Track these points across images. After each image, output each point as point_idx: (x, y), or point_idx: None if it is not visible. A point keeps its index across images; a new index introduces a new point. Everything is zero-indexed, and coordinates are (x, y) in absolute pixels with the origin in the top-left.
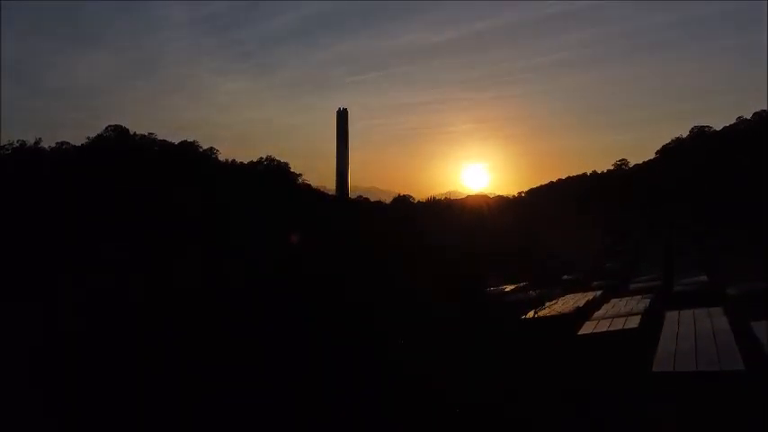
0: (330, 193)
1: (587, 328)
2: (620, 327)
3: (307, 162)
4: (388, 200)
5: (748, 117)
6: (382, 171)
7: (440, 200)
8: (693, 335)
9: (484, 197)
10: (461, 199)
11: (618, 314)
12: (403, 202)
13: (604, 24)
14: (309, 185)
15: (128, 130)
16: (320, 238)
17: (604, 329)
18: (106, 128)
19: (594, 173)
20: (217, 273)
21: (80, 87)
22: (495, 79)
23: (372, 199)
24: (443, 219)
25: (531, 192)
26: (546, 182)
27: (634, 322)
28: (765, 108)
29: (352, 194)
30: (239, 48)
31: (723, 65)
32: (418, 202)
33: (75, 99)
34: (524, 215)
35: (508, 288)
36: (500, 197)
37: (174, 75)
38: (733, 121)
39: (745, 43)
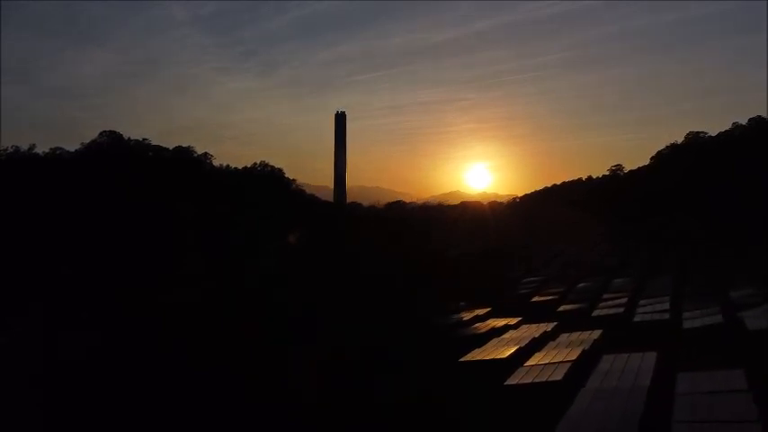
0: (323, 199)
1: (516, 377)
2: (545, 378)
3: (307, 161)
4: (390, 199)
5: (744, 123)
6: (386, 170)
7: (433, 205)
8: (611, 392)
9: (478, 203)
10: (455, 204)
11: (553, 359)
12: (396, 207)
13: (604, 24)
14: (303, 191)
15: (122, 135)
16: (303, 248)
17: (530, 380)
18: (100, 133)
19: (590, 178)
20: (213, 279)
21: (80, 87)
22: (496, 79)
23: (375, 198)
24: (435, 225)
25: (527, 197)
26: (541, 187)
27: (560, 373)
28: (760, 113)
29: (356, 192)
30: (241, 47)
31: (721, 68)
32: (413, 203)
33: (76, 99)
34: (517, 223)
35: (467, 316)
36: (495, 202)
37: (174, 74)
38: (728, 126)
39: (744, 46)
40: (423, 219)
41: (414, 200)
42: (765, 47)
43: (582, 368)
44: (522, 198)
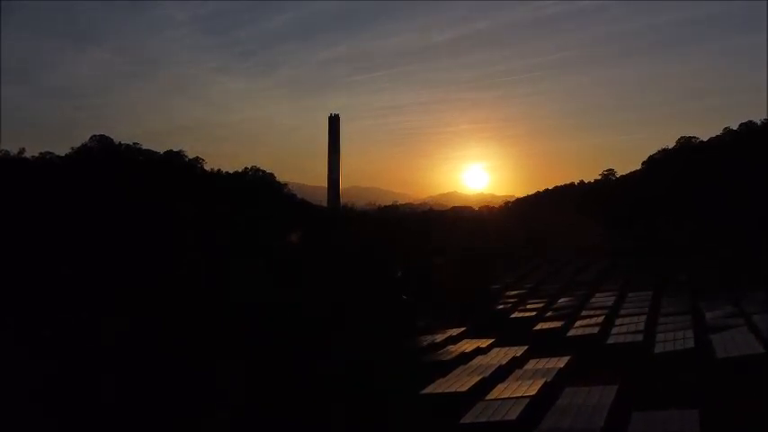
0: (320, 199)
1: (472, 415)
2: (500, 417)
3: (306, 162)
4: (387, 199)
5: (734, 128)
6: (384, 170)
7: (425, 209)
8: None
9: (469, 208)
10: (447, 209)
11: (513, 393)
12: (389, 210)
13: (604, 25)
14: (294, 195)
15: (112, 139)
16: (287, 254)
17: (485, 419)
18: (91, 137)
19: (582, 182)
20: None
21: (79, 87)
22: (495, 79)
23: (372, 198)
24: (426, 230)
25: (519, 201)
26: (534, 191)
27: (515, 411)
28: (759, 115)
29: (353, 193)
30: (240, 47)
31: (719, 69)
32: (408, 204)
33: (76, 99)
34: (509, 229)
35: (440, 337)
36: (486, 206)
37: (174, 74)
38: (719, 131)
39: (745, 47)
40: (415, 221)
41: (411, 200)
42: (765, 48)
43: (543, 402)
44: (514, 202)
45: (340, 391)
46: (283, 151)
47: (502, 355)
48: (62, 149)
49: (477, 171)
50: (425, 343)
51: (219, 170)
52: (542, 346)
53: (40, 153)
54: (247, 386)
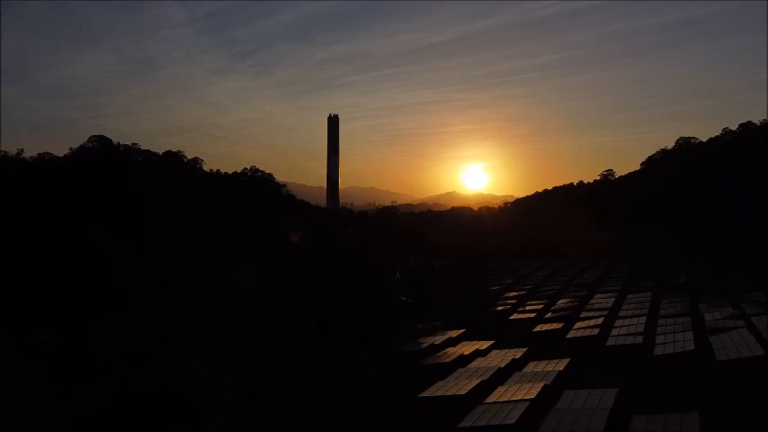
0: (319, 200)
1: (471, 418)
2: (498, 421)
3: (305, 162)
4: (386, 200)
5: (733, 128)
6: (384, 170)
7: (424, 211)
8: None
9: (468, 209)
10: (447, 210)
11: (513, 396)
12: (389, 211)
13: (604, 25)
14: (294, 196)
15: (111, 140)
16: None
17: (483, 423)
18: (89, 138)
19: (581, 183)
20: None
21: (77, 87)
22: (495, 79)
23: (371, 199)
24: (425, 232)
25: (518, 202)
26: (533, 192)
27: (514, 415)
28: (751, 119)
29: (351, 194)
30: (238, 48)
31: (719, 70)
32: (407, 205)
33: (76, 99)
34: (508, 231)
35: (439, 339)
36: (486, 207)
37: (172, 74)
38: (719, 132)
39: (745, 48)
40: (414, 222)
41: (410, 201)
42: (765, 48)
43: (542, 405)
44: (513, 203)
45: (338, 394)
46: (282, 152)
47: (501, 358)
48: (61, 150)
49: (476, 171)
50: (424, 345)
51: (218, 171)
52: (542, 347)
53: (39, 154)
54: (246, 387)
